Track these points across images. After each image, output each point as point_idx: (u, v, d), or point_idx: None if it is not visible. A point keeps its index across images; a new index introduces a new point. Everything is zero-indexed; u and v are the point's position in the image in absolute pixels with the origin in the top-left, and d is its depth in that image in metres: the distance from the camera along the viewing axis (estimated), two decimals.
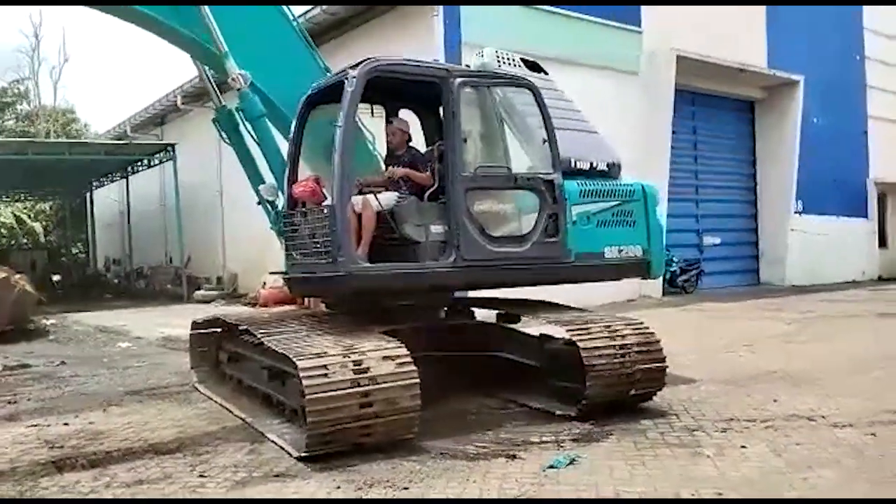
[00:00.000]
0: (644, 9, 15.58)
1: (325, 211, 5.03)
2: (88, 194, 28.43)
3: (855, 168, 20.80)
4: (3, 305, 11.05)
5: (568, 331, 5.24)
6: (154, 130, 24.04)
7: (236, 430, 5.17)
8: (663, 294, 15.29)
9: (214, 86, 7.30)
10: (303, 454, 4.30)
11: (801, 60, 18.22)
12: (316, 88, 5.66)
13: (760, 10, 18.15)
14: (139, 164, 22.68)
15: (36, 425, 5.56)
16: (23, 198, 31.28)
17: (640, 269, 6.33)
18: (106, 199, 27.86)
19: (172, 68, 20.28)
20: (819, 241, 18.61)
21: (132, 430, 5.31)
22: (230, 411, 5.71)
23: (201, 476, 4.14)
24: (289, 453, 4.44)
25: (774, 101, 18.68)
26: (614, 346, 5.12)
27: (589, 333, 5.17)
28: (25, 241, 31.29)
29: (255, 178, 6.66)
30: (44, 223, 33.16)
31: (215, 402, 6.12)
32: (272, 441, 4.73)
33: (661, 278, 15.27)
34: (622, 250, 6.15)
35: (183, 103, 20.20)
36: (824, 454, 4.19)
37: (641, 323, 5.49)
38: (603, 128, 13.68)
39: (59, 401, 6.54)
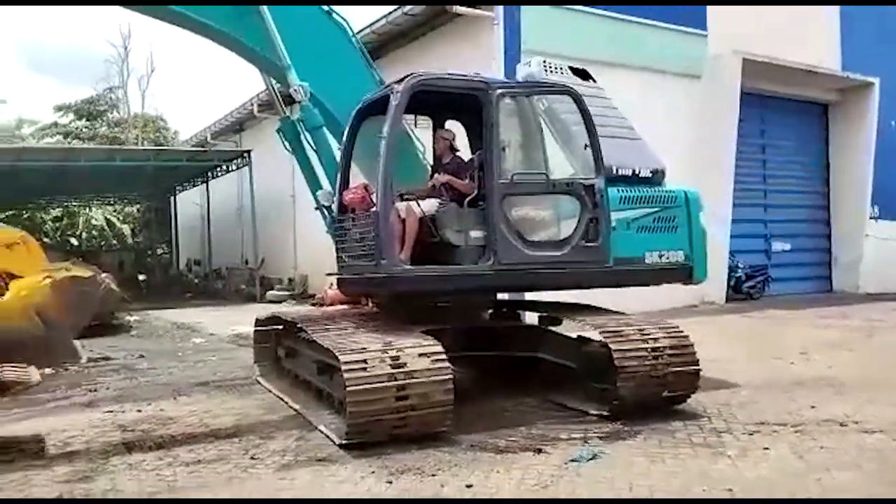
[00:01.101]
0: (710, 12, 15.39)
1: (371, 216, 5.39)
2: (172, 198, 30.00)
3: None
4: (90, 302, 11.90)
5: (601, 333, 5.43)
6: (233, 137, 25.18)
7: (289, 420, 5.59)
8: (727, 300, 15.04)
9: (279, 97, 7.77)
10: (344, 442, 4.66)
11: (877, 62, 17.56)
12: (366, 101, 6.03)
13: (834, 11, 17.61)
14: (218, 169, 23.83)
15: (112, 411, 6.13)
16: (112, 201, 33.22)
17: (682, 273, 6.44)
18: (188, 202, 29.35)
19: (251, 78, 21.32)
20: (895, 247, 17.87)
21: (196, 417, 5.80)
22: (286, 403, 6.15)
23: (252, 458, 4.55)
24: (332, 441, 4.80)
25: (849, 103, 18.05)
26: (646, 348, 5.28)
27: (622, 336, 5.34)
28: (115, 242, 33.26)
29: (314, 185, 7.09)
30: (131, 225, 35.14)
31: (273, 394, 6.58)
32: (319, 430, 5.11)
33: (724, 284, 15.09)
34: (663, 255, 6.29)
35: (259, 111, 21.13)
36: (846, 458, 4.25)
37: (676, 327, 5.61)
38: (664, 133, 13.79)
39: (134, 390, 7.14)
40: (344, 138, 6.15)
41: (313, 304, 16.46)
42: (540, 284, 5.92)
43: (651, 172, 6.57)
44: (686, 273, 6.50)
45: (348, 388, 4.52)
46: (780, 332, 10.59)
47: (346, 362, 4.63)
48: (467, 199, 5.70)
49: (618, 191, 6.08)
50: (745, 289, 15.62)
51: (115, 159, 21.32)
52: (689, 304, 14.07)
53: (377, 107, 5.84)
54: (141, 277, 26.96)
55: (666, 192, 6.54)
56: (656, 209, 6.35)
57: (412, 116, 6.51)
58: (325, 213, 6.88)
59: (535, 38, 12.70)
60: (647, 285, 6.50)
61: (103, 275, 12.87)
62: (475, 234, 5.54)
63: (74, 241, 32.29)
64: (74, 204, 32.23)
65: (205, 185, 25.83)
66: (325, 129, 6.82)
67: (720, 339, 9.38)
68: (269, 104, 20.61)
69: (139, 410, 6.12)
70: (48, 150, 26.33)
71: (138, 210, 35.19)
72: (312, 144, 6.85)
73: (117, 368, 8.52)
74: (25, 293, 4.55)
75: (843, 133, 18.26)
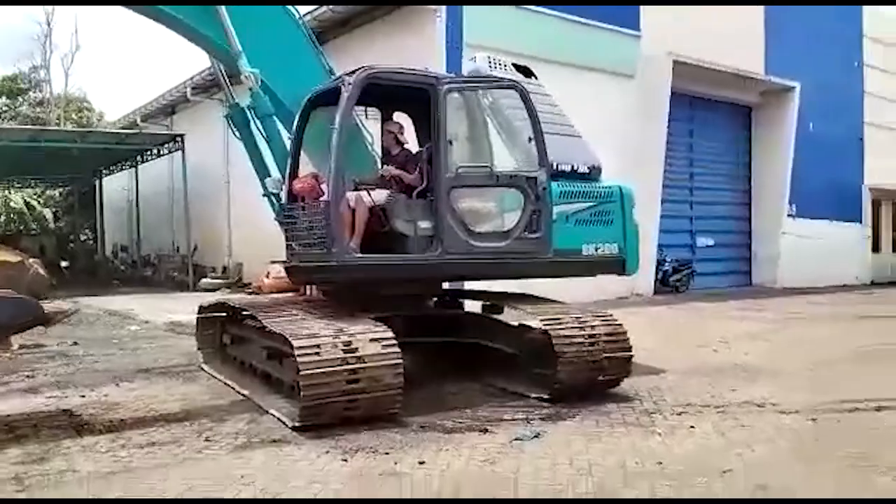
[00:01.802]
0: (643, 13, 15.98)
1: (322, 205, 5.51)
2: (98, 182, 28.99)
3: (850, 174, 21.21)
4: (19, 288, 11.55)
5: (542, 321, 5.72)
6: (164, 120, 24.56)
7: (238, 405, 5.67)
8: (655, 292, 15.73)
9: (228, 83, 7.74)
10: (297, 424, 4.80)
11: (799, 67, 18.59)
12: (316, 92, 6.13)
13: (759, 17, 18.53)
14: (149, 153, 23.20)
15: (54, 397, 6.07)
16: (33, 184, 31.85)
17: (616, 266, 6.80)
18: (115, 187, 28.43)
19: (183, 60, 20.78)
20: (811, 244, 18.99)
21: (143, 402, 5.81)
22: (233, 388, 6.21)
23: (207, 440, 4.64)
24: (284, 424, 4.93)
25: (771, 106, 19.07)
26: (584, 335, 5.60)
27: (561, 324, 5.65)
28: (34, 226, 31.88)
29: (262, 171, 7.13)
30: (53, 209, 33.75)
31: (219, 380, 6.62)
32: (270, 413, 5.22)
33: (652, 277, 15.77)
34: (599, 248, 6.63)
35: (192, 94, 20.73)
36: (763, 435, 4.67)
37: (611, 316, 5.96)
38: (598, 129, 14.26)
39: (74, 377, 7.04)
40: (294, 127, 6.22)
41: (249, 293, 16.35)
42: (484, 273, 6.17)
43: (588, 168, 6.90)
44: (620, 265, 6.86)
45: (302, 372, 4.65)
46: (703, 322, 11.21)
47: (299, 347, 4.76)
48: (416, 191, 5.88)
49: (557, 185, 6.35)
50: (671, 282, 16.36)
51: (39, 140, 20.50)
52: (620, 296, 14.66)
53: (327, 97, 5.94)
54: (63, 264, 25.97)
55: (602, 187, 6.88)
56: (593, 204, 6.67)
57: (362, 108, 6.63)
58: (274, 200, 6.93)
59: (476, 33, 12.97)
60: (584, 276, 6.84)
61: (30, 259, 12.55)
62: (423, 224, 5.72)
63: None
64: None
65: (133, 169, 25.10)
66: (274, 116, 6.87)
67: (649, 328, 9.88)
68: (205, 87, 20.40)
69: (83, 396, 6.07)
70: None
71: (60, 194, 33.85)
72: (262, 132, 6.88)
73: (52, 355, 8.34)
74: None
75: (764, 134, 19.28)
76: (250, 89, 6.60)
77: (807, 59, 19.04)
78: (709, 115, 18.54)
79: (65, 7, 35.01)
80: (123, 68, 55.78)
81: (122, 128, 26.23)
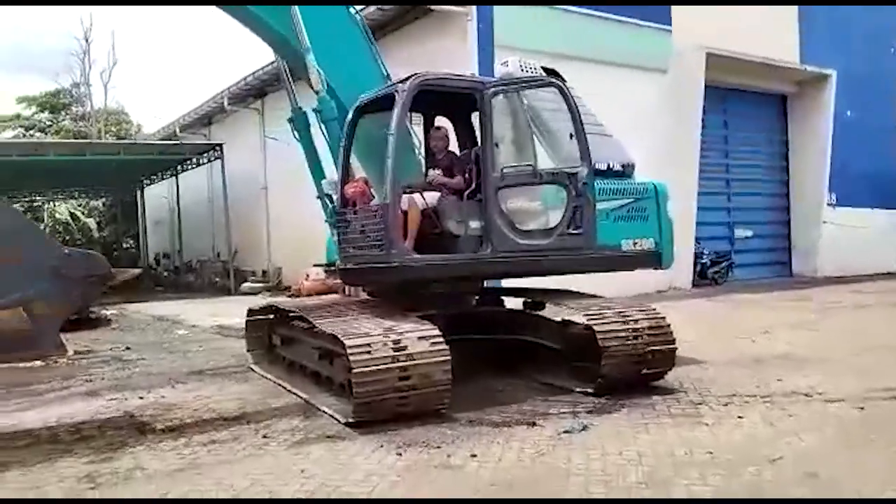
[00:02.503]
0: (674, 7, 15.90)
1: (377, 209, 5.69)
2: (139, 192, 29.70)
3: (889, 160, 20.75)
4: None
5: (585, 316, 5.82)
6: (202, 130, 25.11)
7: (291, 403, 5.86)
8: (693, 285, 15.66)
9: (292, 87, 7.83)
10: (350, 420, 4.96)
11: (834, 54, 18.34)
12: (366, 98, 6.30)
13: (793, 6, 18.29)
14: (188, 162, 23.74)
15: (115, 399, 6.33)
16: (76, 195, 32.73)
17: (653, 260, 6.88)
18: (156, 196, 29.11)
19: (217, 72, 21.24)
20: (852, 233, 18.69)
21: (200, 402, 6.04)
22: (284, 388, 6.41)
23: (265, 437, 4.83)
24: (337, 420, 5.10)
25: (806, 95, 18.83)
26: (627, 329, 5.67)
27: (604, 319, 5.73)
28: (80, 236, 32.79)
29: (318, 174, 7.33)
30: (97, 220, 34.66)
31: (270, 380, 6.83)
32: (323, 411, 5.40)
33: (691, 270, 15.69)
34: (637, 243, 6.72)
35: (229, 105, 21.19)
36: (811, 424, 4.70)
37: (654, 309, 6.01)
38: (632, 125, 14.31)
39: (130, 380, 7.32)
40: (344, 132, 6.39)
41: (290, 296, 16.67)
42: (531, 270, 6.31)
43: (622, 166, 7.02)
44: (657, 259, 6.94)
45: (354, 370, 4.82)
46: (742, 314, 11.15)
47: (350, 346, 4.92)
48: (466, 193, 6.04)
49: (596, 183, 6.45)
50: (710, 274, 16.26)
51: (84, 153, 21.14)
52: (659, 290, 14.64)
53: (377, 103, 6.12)
54: None
55: (638, 184, 6.98)
56: (630, 200, 6.80)
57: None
58: (327, 202, 7.09)
59: (507, 34, 13.08)
60: (624, 270, 6.92)
61: None
62: (474, 224, 5.90)
63: None
64: (38, 199, 31.72)
65: (174, 178, 25.69)
66: (339, 121, 6.97)
67: (688, 321, 9.85)
68: (241, 97, 20.84)
69: (141, 398, 6.33)
70: (16, 144, 25.93)
71: (104, 204, 34.73)
72: (326, 135, 7.00)
73: (107, 360, 8.66)
74: None
75: (801, 123, 19.03)
76: (317, 92, 6.73)
77: (842, 47, 18.75)
78: (743, 106, 18.37)
79: (87, 12, 35.76)
80: (161, 81, 56.99)
81: (162, 139, 26.86)
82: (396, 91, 5.71)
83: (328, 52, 6.79)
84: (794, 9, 18.27)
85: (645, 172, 15.09)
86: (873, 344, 7.81)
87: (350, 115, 6.33)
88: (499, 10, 13.34)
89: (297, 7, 6.61)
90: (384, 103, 5.82)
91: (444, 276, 6.05)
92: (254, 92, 20.42)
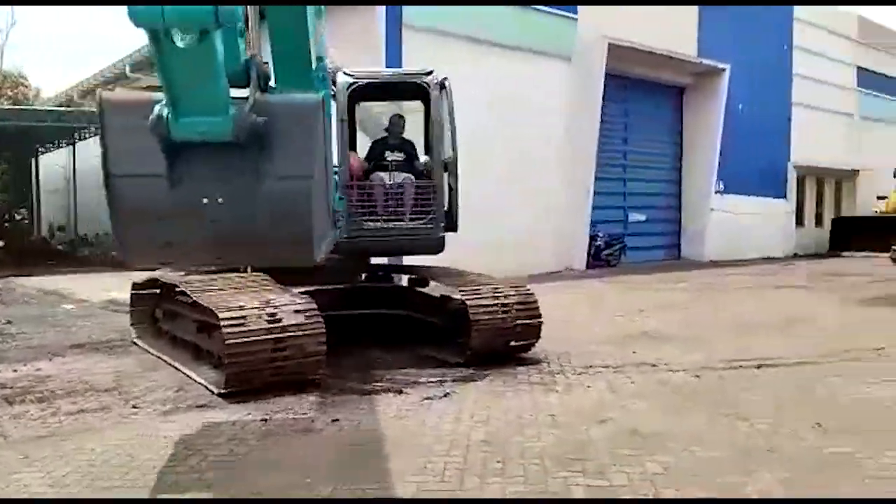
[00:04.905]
0: None
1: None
2: (34, 160, 28.22)
3: (777, 152, 22.17)
4: None
5: (461, 292, 6.13)
6: None
7: (168, 376, 5.92)
8: (588, 267, 16.34)
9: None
10: (223, 391, 5.10)
11: (730, 49, 19.31)
12: None
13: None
14: (87, 130, 22.73)
15: None
16: None
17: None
18: (53, 165, 27.74)
19: (121, 36, 20.41)
20: (738, 219, 19.92)
21: (75, 374, 6.01)
22: (164, 361, 6.45)
23: (134, 407, 4.91)
24: (211, 391, 5.23)
25: (701, 87, 19.78)
26: (497, 304, 6.03)
27: (477, 294, 6.06)
28: None
29: None
30: None
31: (151, 353, 6.85)
32: (197, 382, 5.50)
33: (585, 252, 16.38)
34: None
35: (132, 72, 20.39)
36: (649, 390, 5.18)
37: (524, 286, 6.40)
38: (538, 110, 14.76)
39: (7, 353, 7.15)
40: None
41: (189, 271, 16.34)
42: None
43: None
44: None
45: (227, 342, 4.95)
46: (627, 294, 11.81)
47: (224, 318, 5.04)
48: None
49: None
50: (603, 256, 16.98)
51: None
52: (554, 271, 15.24)
53: None
54: None
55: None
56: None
57: None
58: None
59: (415, 15, 13.19)
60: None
61: None
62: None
63: None
64: None
65: (71, 147, 24.56)
66: None
67: (574, 300, 10.42)
68: (145, 64, 20.07)
69: (15, 370, 6.22)
70: None
71: None
72: None
73: None
74: None
75: (695, 114, 20.01)
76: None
77: (739, 42, 19.78)
78: (643, 96, 19.12)
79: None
80: (62, 44, 54.01)
81: (60, 105, 25.58)
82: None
83: None
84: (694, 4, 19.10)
85: (547, 157, 15.60)
86: (730, 323, 8.51)
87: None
88: None
89: None
90: None
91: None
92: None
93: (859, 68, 25.20)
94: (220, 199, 3.16)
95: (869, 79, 25.44)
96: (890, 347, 6.73)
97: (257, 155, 3.12)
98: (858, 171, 25.30)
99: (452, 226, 7.02)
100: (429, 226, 6.73)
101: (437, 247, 6.87)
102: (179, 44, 2.79)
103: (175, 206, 3.18)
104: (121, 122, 3.20)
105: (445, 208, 6.91)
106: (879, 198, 22.19)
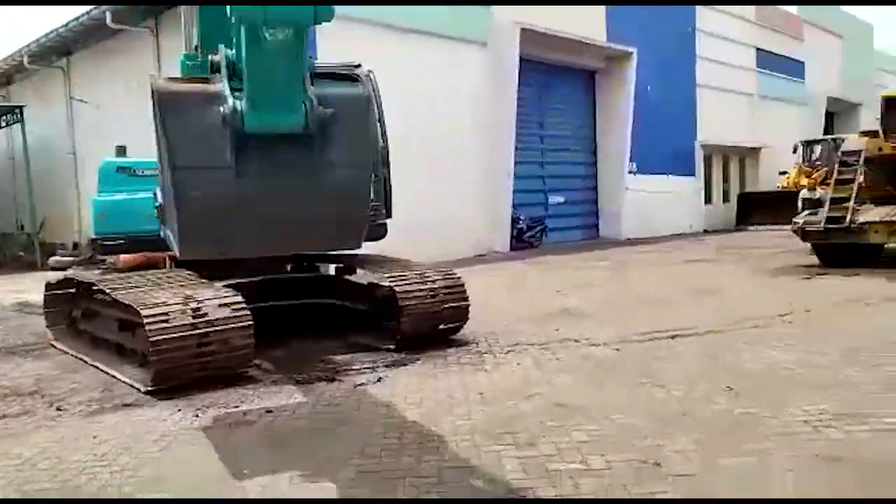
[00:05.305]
0: None
1: None
2: None
3: (684, 132, 23.12)
4: None
5: (388, 278, 6.22)
6: (0, 91, 22.79)
7: (91, 377, 5.78)
8: (511, 249, 16.69)
9: None
10: (149, 388, 5.03)
11: (638, 33, 19.97)
12: None
13: None
14: None
15: None
16: None
17: None
18: None
19: (17, 27, 19.32)
20: (651, 198, 20.73)
21: None
22: (85, 362, 6.28)
23: (59, 410, 4.79)
24: (137, 389, 5.14)
25: (612, 71, 20.41)
26: (425, 289, 6.15)
27: (404, 280, 6.17)
28: None
29: None
30: None
31: (71, 355, 6.64)
32: (122, 381, 5.40)
33: (508, 235, 16.72)
34: None
35: (30, 63, 19.40)
36: (573, 365, 5.42)
37: (451, 270, 6.55)
38: (456, 95, 14.89)
39: None
40: None
41: (104, 270, 15.77)
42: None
43: None
44: None
45: (150, 339, 4.88)
46: (547, 274, 12.16)
47: (147, 316, 4.97)
48: None
49: None
50: (526, 238, 17.38)
51: None
52: (479, 254, 15.52)
53: None
54: None
55: None
56: None
57: None
58: None
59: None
60: None
61: None
62: None
63: None
64: None
65: None
66: None
67: (500, 283, 10.67)
68: (42, 55, 19.12)
69: None
70: None
71: None
72: None
73: None
74: None
75: (607, 97, 20.64)
76: None
77: (645, 27, 20.47)
78: (557, 80, 19.58)
79: None
80: None
81: None
82: None
83: None
84: None
85: (467, 143, 15.78)
86: (646, 298, 8.92)
87: None
88: None
89: None
90: None
91: None
92: (58, 50, 18.82)
93: (758, 49, 26.49)
94: (283, 189, 3.28)
95: (767, 59, 26.79)
96: (791, 315, 7.23)
97: (321, 145, 3.26)
98: (760, 148, 26.67)
99: (388, 213, 7.12)
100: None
101: (381, 234, 6.94)
102: (271, 38, 2.90)
103: (240, 196, 3.26)
104: (181, 113, 3.22)
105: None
106: (781, 173, 23.47)
